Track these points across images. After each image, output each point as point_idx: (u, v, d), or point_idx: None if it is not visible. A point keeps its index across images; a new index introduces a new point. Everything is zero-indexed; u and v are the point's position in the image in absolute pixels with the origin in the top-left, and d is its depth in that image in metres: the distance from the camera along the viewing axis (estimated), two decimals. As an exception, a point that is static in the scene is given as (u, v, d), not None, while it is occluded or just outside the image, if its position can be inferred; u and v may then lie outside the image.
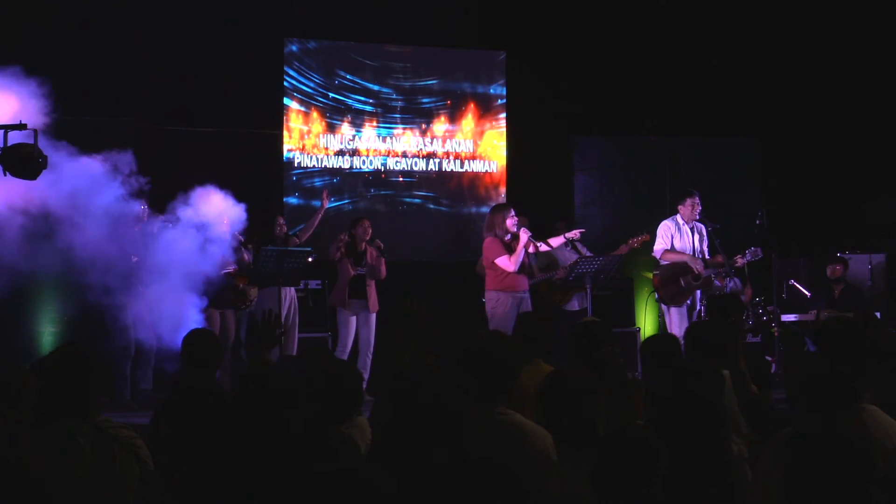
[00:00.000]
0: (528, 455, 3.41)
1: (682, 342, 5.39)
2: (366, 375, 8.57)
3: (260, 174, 9.95)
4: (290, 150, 10.21)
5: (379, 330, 8.80)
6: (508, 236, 8.39)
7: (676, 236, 8.78)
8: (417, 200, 10.71)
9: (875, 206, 10.68)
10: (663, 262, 8.82)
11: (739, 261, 8.69)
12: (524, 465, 3.36)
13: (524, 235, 8.28)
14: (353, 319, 8.63)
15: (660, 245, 8.78)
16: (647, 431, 2.85)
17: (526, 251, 8.42)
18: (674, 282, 8.69)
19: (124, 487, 3.30)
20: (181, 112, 9.50)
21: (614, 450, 2.73)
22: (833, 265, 9.79)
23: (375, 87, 10.54)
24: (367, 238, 8.71)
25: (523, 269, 8.44)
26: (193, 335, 4.83)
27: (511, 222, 8.38)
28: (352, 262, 8.64)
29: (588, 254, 9.23)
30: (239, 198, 7.94)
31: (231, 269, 8.23)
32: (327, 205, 9.20)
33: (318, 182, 10.31)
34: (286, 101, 10.19)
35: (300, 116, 10.27)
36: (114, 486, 3.31)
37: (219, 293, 8.01)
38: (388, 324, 9.19)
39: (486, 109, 10.92)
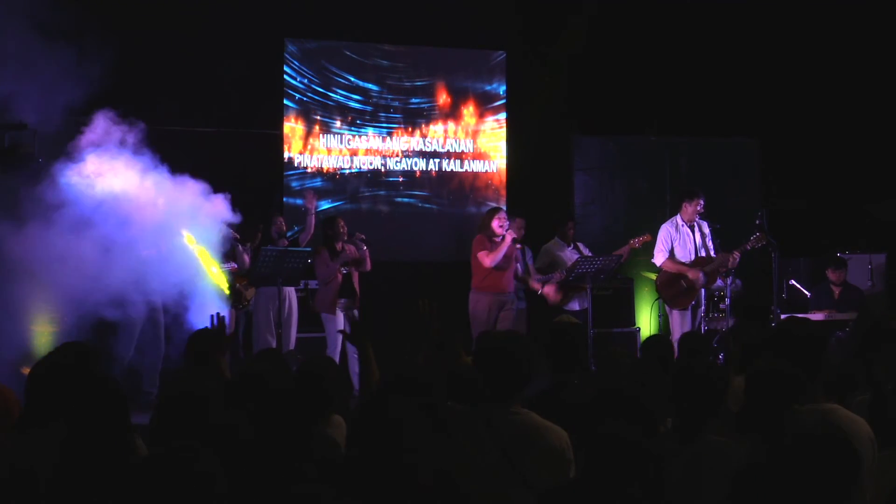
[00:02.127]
0: (545, 454, 3.42)
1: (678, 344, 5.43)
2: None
3: (260, 174, 9.94)
4: (289, 151, 10.22)
5: (375, 327, 8.77)
6: (500, 238, 8.48)
7: (676, 240, 8.75)
8: (417, 200, 10.71)
9: (882, 206, 10.67)
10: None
11: (743, 249, 8.69)
12: (541, 463, 3.37)
13: (509, 237, 8.39)
14: (342, 317, 8.62)
15: (660, 255, 8.75)
16: (637, 433, 2.85)
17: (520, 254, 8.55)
18: (675, 285, 8.68)
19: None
20: (181, 112, 9.48)
21: (603, 450, 2.73)
22: (834, 268, 9.78)
23: (375, 88, 10.54)
24: (345, 237, 8.70)
25: (506, 267, 8.52)
26: (199, 334, 4.84)
27: (496, 223, 8.51)
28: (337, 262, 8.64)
29: (588, 254, 9.24)
30: (239, 198, 7.92)
31: (231, 267, 8.23)
32: (313, 208, 8.97)
33: (318, 182, 10.31)
34: (286, 101, 10.20)
35: (300, 117, 10.27)
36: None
37: (230, 293, 8.03)
38: (389, 324, 9.20)
39: (486, 109, 10.92)
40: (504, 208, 9.40)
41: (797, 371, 3.52)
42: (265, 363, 4.27)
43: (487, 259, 8.44)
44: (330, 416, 3.82)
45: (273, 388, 3.48)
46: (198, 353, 4.67)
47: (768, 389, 3.43)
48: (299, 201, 10.21)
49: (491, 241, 8.53)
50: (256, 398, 3.36)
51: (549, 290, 8.88)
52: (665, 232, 8.79)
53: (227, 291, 7.62)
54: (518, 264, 8.81)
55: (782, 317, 9.04)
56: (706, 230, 8.84)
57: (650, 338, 6.07)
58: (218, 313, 4.68)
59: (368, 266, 8.71)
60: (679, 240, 8.76)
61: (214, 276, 7.43)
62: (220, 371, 4.43)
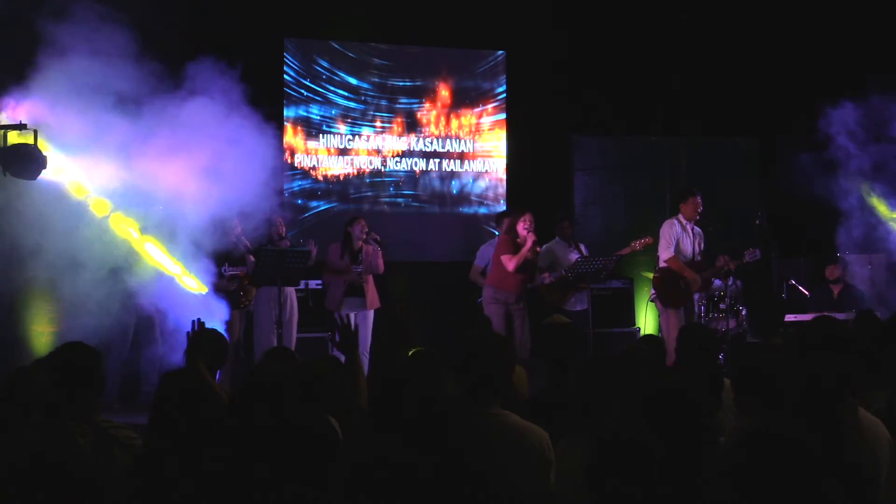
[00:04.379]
0: (525, 454, 3.41)
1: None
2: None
3: (260, 174, 9.91)
4: (289, 151, 10.21)
5: (375, 327, 8.79)
6: (529, 242, 8.55)
7: (681, 237, 8.75)
8: (417, 201, 10.71)
9: None
10: (663, 265, 8.80)
11: (739, 262, 8.73)
12: (521, 464, 3.37)
13: (529, 240, 8.44)
14: (352, 317, 8.62)
15: (666, 251, 8.72)
16: (644, 431, 2.84)
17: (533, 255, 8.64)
18: (674, 284, 8.67)
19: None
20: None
21: (609, 448, 2.73)
22: (832, 265, 9.79)
23: (375, 88, 10.54)
24: (364, 237, 8.71)
25: (525, 270, 8.56)
26: (196, 333, 4.85)
27: (521, 226, 8.53)
28: (349, 260, 8.66)
29: (588, 254, 9.25)
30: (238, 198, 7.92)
31: (239, 271, 8.25)
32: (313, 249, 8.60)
33: (319, 184, 10.31)
34: (285, 101, 10.19)
35: (300, 117, 10.26)
36: (113, 486, 3.31)
37: (231, 294, 8.06)
38: (389, 323, 9.20)
39: (486, 109, 10.92)
40: (507, 209, 9.40)
41: (851, 366, 3.50)
42: (276, 362, 4.30)
43: (511, 263, 8.51)
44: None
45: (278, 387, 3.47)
46: (197, 352, 4.69)
47: (825, 384, 3.39)
48: (298, 201, 10.22)
49: (515, 245, 8.57)
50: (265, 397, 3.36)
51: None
52: (669, 228, 8.75)
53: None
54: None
55: (786, 317, 9.06)
56: (702, 236, 8.84)
57: (644, 337, 6.08)
58: (199, 318, 4.72)
59: (381, 268, 8.72)
60: (683, 238, 8.75)
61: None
62: (200, 372, 4.45)
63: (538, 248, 8.74)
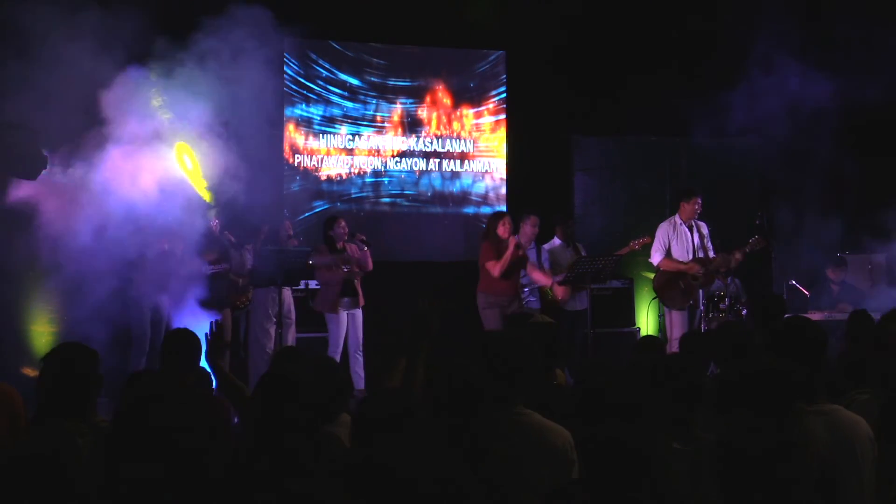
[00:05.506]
0: (548, 454, 3.42)
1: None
2: (361, 374, 8.57)
3: (259, 175, 9.92)
4: (289, 151, 10.21)
5: (375, 327, 8.78)
6: (511, 245, 8.51)
7: (674, 239, 8.75)
8: (418, 201, 10.72)
9: None
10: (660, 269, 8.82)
11: (742, 254, 8.71)
12: (544, 464, 3.37)
13: (512, 243, 8.39)
14: (345, 317, 8.61)
15: (657, 255, 8.74)
16: (639, 436, 2.85)
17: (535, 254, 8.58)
18: (673, 285, 8.67)
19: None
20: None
21: (604, 453, 2.73)
22: (834, 267, 9.80)
23: (375, 88, 10.55)
24: (346, 236, 8.69)
25: (513, 272, 8.53)
26: (171, 333, 4.95)
27: (502, 230, 8.47)
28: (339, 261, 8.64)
29: (586, 254, 9.25)
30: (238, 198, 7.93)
31: (221, 268, 8.21)
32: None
33: (320, 184, 10.31)
34: (285, 101, 10.20)
35: (300, 117, 10.27)
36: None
37: (217, 293, 8.04)
38: (386, 322, 9.20)
39: (486, 109, 10.92)
40: (505, 210, 9.37)
41: (803, 369, 3.50)
42: (289, 362, 4.34)
43: (496, 269, 8.41)
44: (340, 415, 3.83)
45: (299, 386, 3.47)
46: (171, 354, 4.76)
47: (774, 387, 3.39)
48: (298, 202, 10.21)
49: (497, 249, 8.52)
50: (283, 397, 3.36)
51: (559, 290, 8.89)
52: (662, 231, 8.79)
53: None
54: (529, 264, 8.82)
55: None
56: (705, 231, 8.85)
57: (644, 338, 6.09)
58: (216, 321, 4.81)
59: (370, 266, 8.71)
60: (676, 239, 8.76)
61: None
62: (222, 372, 4.54)
63: (520, 251, 8.68)
